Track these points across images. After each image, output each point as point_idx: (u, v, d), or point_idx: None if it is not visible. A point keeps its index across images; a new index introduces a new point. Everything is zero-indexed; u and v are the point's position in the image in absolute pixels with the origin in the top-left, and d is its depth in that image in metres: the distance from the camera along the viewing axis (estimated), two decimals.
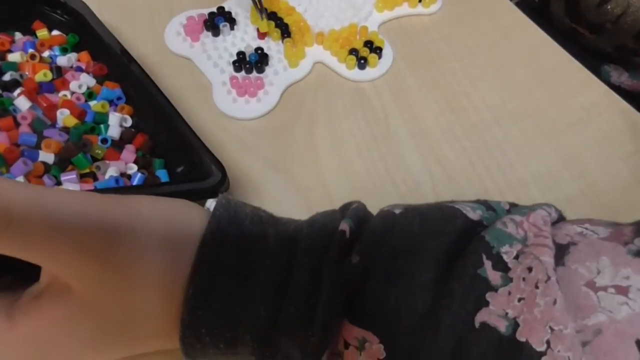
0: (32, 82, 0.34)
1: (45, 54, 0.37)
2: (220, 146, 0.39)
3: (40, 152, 0.30)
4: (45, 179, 0.30)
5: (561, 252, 0.24)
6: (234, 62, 0.41)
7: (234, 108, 0.40)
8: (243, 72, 0.42)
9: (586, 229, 0.25)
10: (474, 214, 0.26)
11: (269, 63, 0.42)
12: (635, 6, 0.43)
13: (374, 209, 0.27)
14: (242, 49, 0.42)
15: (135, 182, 0.31)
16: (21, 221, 0.20)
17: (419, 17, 0.46)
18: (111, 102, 0.36)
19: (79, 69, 0.37)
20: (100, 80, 0.37)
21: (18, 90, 0.34)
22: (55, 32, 0.40)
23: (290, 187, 0.37)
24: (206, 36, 0.44)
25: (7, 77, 0.34)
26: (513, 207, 0.28)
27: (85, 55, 0.38)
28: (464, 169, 0.39)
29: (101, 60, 0.39)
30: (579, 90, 0.43)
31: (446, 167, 0.39)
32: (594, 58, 0.53)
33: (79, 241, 0.22)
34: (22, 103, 0.32)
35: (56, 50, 0.38)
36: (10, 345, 0.23)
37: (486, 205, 0.27)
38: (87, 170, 0.31)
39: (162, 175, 0.32)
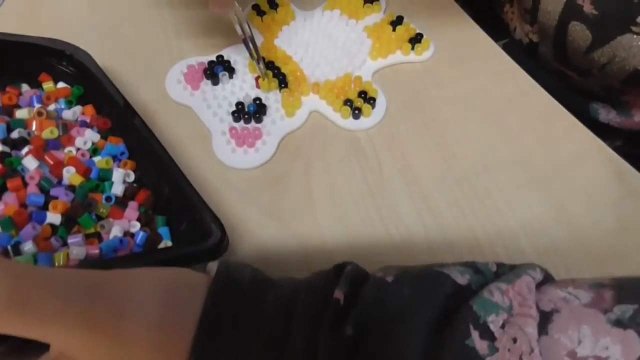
0: (39, 139, 0.36)
1: (51, 107, 0.39)
2: (219, 195, 0.40)
3: (48, 213, 0.31)
4: (53, 240, 0.31)
5: (545, 320, 0.25)
6: (233, 113, 0.43)
7: (233, 158, 0.41)
8: (242, 122, 0.43)
9: (569, 293, 0.26)
10: (462, 279, 0.27)
11: (267, 112, 0.44)
12: (621, 56, 0.44)
13: (368, 260, 0.30)
14: (241, 99, 0.44)
15: (138, 241, 0.33)
16: (35, 303, 0.21)
17: (412, 65, 0.48)
18: (115, 158, 0.37)
19: (84, 123, 0.38)
20: (104, 135, 0.38)
21: (26, 149, 0.35)
22: (60, 84, 0.41)
23: (287, 236, 0.39)
24: (206, 84, 0.45)
25: (15, 134, 0.36)
26: (500, 267, 0.29)
27: (89, 108, 0.40)
28: (455, 219, 0.40)
29: (105, 113, 0.40)
30: (566, 136, 0.44)
31: (438, 216, 0.40)
32: (582, 96, 0.54)
33: (88, 317, 0.23)
34: (30, 162, 0.34)
35: (62, 103, 0.39)
36: None
37: (474, 267, 0.28)
38: (92, 230, 0.32)
39: (164, 232, 0.34)
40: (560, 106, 0.46)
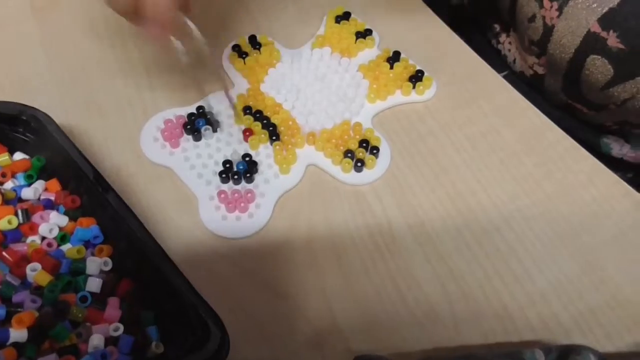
0: None
1: (8, 185, 0.33)
2: (211, 272, 0.36)
3: (11, 330, 0.26)
4: None
5: None
6: (220, 173, 0.38)
7: (224, 226, 0.37)
8: (231, 183, 0.38)
9: None
10: None
11: (259, 170, 0.39)
12: None
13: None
14: (229, 156, 0.39)
15: (123, 348, 0.28)
16: None
17: (413, 105, 0.44)
18: (87, 244, 0.32)
19: (48, 203, 0.33)
20: (73, 215, 0.33)
21: None
22: (17, 156, 0.36)
23: (294, 316, 0.35)
24: (187, 140, 0.40)
25: None
26: (547, 354, 0.26)
27: (54, 183, 0.34)
28: (479, 282, 0.36)
29: (72, 187, 0.35)
30: (589, 180, 0.41)
31: (460, 281, 0.36)
32: (591, 130, 0.51)
33: None
34: None
35: (20, 179, 0.34)
36: None
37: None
38: (68, 343, 0.27)
39: (152, 332, 0.29)
40: (579, 146, 0.43)
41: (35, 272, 0.29)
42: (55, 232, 0.32)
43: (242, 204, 0.38)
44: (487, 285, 0.37)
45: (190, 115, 0.42)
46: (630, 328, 0.35)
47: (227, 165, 0.39)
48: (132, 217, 0.32)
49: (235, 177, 0.39)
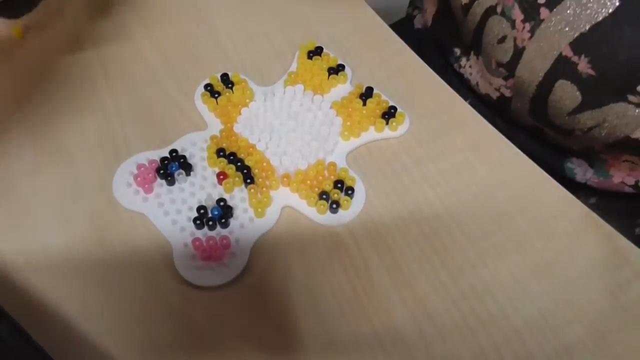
0: None
1: None
2: (189, 322, 0.35)
3: None
4: None
5: None
6: (194, 220, 0.38)
7: (199, 275, 0.37)
8: (206, 229, 0.38)
9: None
10: None
11: (234, 214, 0.39)
12: (612, 123, 0.42)
13: None
14: (203, 202, 0.39)
15: None
16: None
17: (387, 142, 0.45)
18: None
19: None
20: None
21: None
22: None
23: None
24: (160, 185, 0.40)
25: None
26: None
27: None
28: (455, 324, 0.37)
29: None
30: (560, 212, 0.42)
31: (437, 322, 0.37)
32: (556, 154, 0.52)
33: None
34: None
35: None
36: None
37: None
38: None
39: None
40: (549, 177, 0.44)
41: None
42: None
43: (217, 252, 0.38)
44: (463, 325, 0.37)
45: (163, 159, 0.41)
46: None
47: (202, 211, 0.39)
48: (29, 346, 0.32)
49: (210, 223, 0.39)
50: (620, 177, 0.51)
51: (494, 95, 0.53)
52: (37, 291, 0.37)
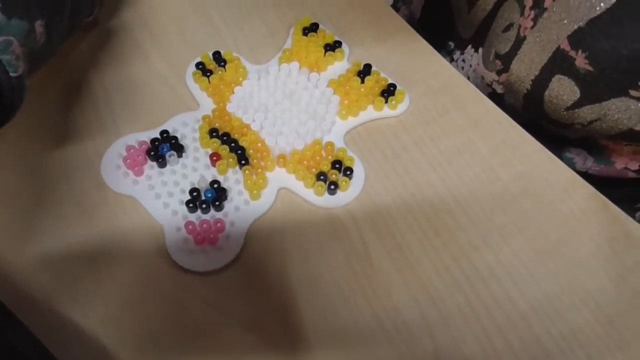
0: None
1: None
2: (182, 308, 0.34)
3: None
4: None
5: None
6: (187, 203, 0.37)
7: (192, 260, 0.36)
8: (199, 212, 0.37)
9: None
10: None
11: (228, 197, 0.38)
12: (613, 117, 0.41)
13: None
14: (195, 184, 0.38)
15: None
16: None
17: (386, 121, 0.43)
18: None
19: None
20: None
21: None
22: None
23: (269, 352, 0.33)
24: (151, 167, 0.39)
25: None
26: None
27: None
28: (459, 307, 0.36)
29: None
30: (566, 193, 0.41)
31: (440, 306, 0.36)
32: (554, 145, 0.51)
33: None
34: None
35: None
36: None
37: None
38: None
39: None
40: (555, 157, 0.43)
41: None
42: None
43: (211, 235, 0.36)
44: (467, 308, 0.36)
45: (153, 140, 0.40)
46: (611, 348, 0.35)
47: (195, 194, 0.38)
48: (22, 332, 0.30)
49: (203, 206, 0.37)
50: (623, 163, 0.50)
51: (486, 91, 0.51)
52: (25, 277, 0.36)
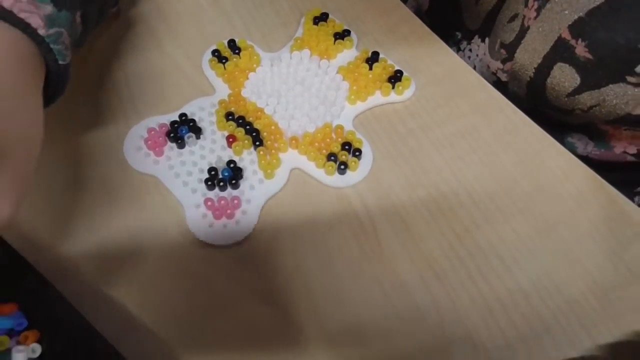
0: None
1: None
2: (202, 280, 0.36)
3: None
4: None
5: None
6: (206, 181, 0.39)
7: (212, 235, 0.38)
8: (217, 190, 0.39)
9: None
10: None
11: (244, 176, 0.40)
12: (612, 102, 0.43)
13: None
14: (213, 163, 0.40)
15: None
16: None
17: (393, 106, 0.45)
18: (11, 333, 0.31)
19: None
20: None
21: None
22: None
23: (280, 322, 0.35)
24: (170, 149, 0.41)
25: None
26: None
27: None
28: (463, 285, 0.38)
29: None
30: (565, 176, 0.43)
31: (445, 283, 0.38)
32: (555, 130, 0.53)
33: None
34: None
35: None
36: None
37: None
38: None
39: None
40: (555, 142, 0.44)
41: None
42: None
43: (229, 211, 0.39)
44: (471, 286, 0.38)
45: (173, 123, 0.42)
46: (605, 319, 0.37)
47: (212, 173, 0.40)
48: (58, 298, 0.32)
49: (221, 184, 0.39)
50: (622, 147, 0.52)
51: (491, 79, 0.53)
52: (52, 252, 0.37)
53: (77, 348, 0.32)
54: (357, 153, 0.42)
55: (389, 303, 0.37)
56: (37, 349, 0.31)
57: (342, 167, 0.41)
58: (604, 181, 0.43)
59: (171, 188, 0.40)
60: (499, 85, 0.52)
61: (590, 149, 0.52)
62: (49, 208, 0.39)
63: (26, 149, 0.29)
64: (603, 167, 0.53)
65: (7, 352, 0.31)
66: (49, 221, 0.39)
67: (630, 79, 0.41)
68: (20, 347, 0.31)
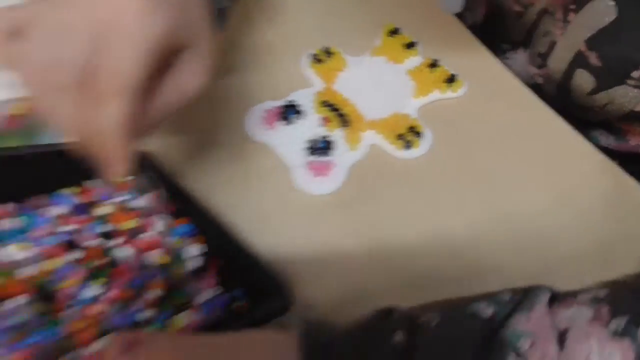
0: (124, 231, 0.45)
1: (121, 198, 0.48)
2: (300, 218, 0.51)
3: (149, 291, 0.42)
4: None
5: (561, 337, 0.35)
6: (308, 148, 0.53)
7: (312, 186, 0.52)
8: (316, 156, 0.54)
9: (575, 312, 0.37)
10: (489, 311, 0.37)
11: (334, 147, 0.54)
12: (619, 100, 0.56)
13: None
14: (312, 137, 0.54)
15: (218, 305, 0.43)
16: None
17: (449, 101, 0.59)
18: (185, 236, 0.47)
19: (153, 210, 0.48)
20: (173, 217, 0.48)
21: (116, 241, 0.45)
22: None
23: (360, 251, 0.49)
24: (281, 124, 0.56)
25: (102, 228, 0.45)
26: (514, 292, 0.39)
27: (156, 196, 0.49)
28: (488, 240, 0.51)
29: (169, 199, 0.49)
30: (596, 175, 0.56)
31: (476, 229, 0.51)
32: (583, 126, 0.65)
33: None
34: (124, 251, 0.44)
35: (130, 194, 0.48)
36: None
37: (495, 300, 0.38)
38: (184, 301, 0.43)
39: (237, 294, 0.44)
40: (588, 143, 0.57)
41: (155, 256, 0.44)
42: (163, 228, 0.46)
43: (325, 171, 0.53)
44: (492, 240, 0.51)
45: (282, 106, 0.57)
46: (600, 265, 0.50)
47: (311, 143, 0.55)
48: (214, 217, 0.48)
49: (318, 152, 0.54)
50: (636, 141, 0.64)
51: (529, 82, 0.67)
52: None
53: (227, 248, 0.47)
54: (418, 134, 0.56)
55: (444, 253, 0.50)
56: (202, 248, 0.46)
57: (408, 144, 0.55)
58: (613, 163, 0.56)
59: (281, 154, 0.55)
60: (535, 87, 0.65)
61: (610, 141, 0.65)
62: (194, 165, 0.54)
63: (208, 37, 0.38)
64: (623, 158, 0.65)
65: (183, 249, 0.46)
66: (197, 176, 0.53)
67: (629, 82, 0.54)
68: (192, 245, 0.46)
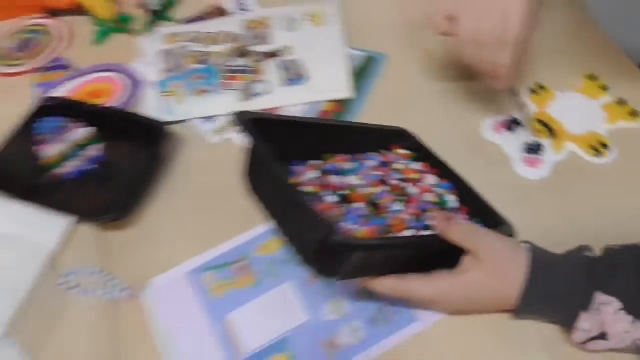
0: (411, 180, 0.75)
1: (404, 161, 0.77)
2: (516, 194, 0.76)
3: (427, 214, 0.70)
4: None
5: None
6: (525, 149, 0.79)
7: (530, 174, 0.77)
8: (530, 154, 0.79)
9: None
10: None
11: (544, 150, 0.79)
12: None
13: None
14: (528, 142, 0.80)
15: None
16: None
17: (633, 129, 0.81)
18: (444, 190, 0.73)
19: (424, 172, 0.76)
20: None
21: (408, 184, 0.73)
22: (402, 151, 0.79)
23: (565, 230, 0.73)
24: (506, 132, 0.82)
25: (398, 176, 0.75)
26: None
27: (425, 165, 0.77)
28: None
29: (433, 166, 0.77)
30: None
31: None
32: None
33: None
34: (413, 190, 0.72)
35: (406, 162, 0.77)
36: (455, 286, 0.60)
37: None
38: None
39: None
40: None
41: (430, 196, 0.72)
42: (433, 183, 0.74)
43: (536, 164, 0.78)
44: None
45: (507, 120, 0.84)
46: None
47: (528, 146, 0.80)
48: (456, 175, 0.75)
49: (532, 151, 0.79)
50: None
51: None
52: None
53: (468, 198, 0.74)
54: (606, 147, 0.79)
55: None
56: (456, 199, 0.74)
57: (598, 154, 0.79)
58: None
59: (506, 150, 0.81)
60: None
61: None
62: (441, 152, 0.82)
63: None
64: None
65: (446, 198, 0.74)
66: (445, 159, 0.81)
67: None
68: (450, 197, 0.74)
